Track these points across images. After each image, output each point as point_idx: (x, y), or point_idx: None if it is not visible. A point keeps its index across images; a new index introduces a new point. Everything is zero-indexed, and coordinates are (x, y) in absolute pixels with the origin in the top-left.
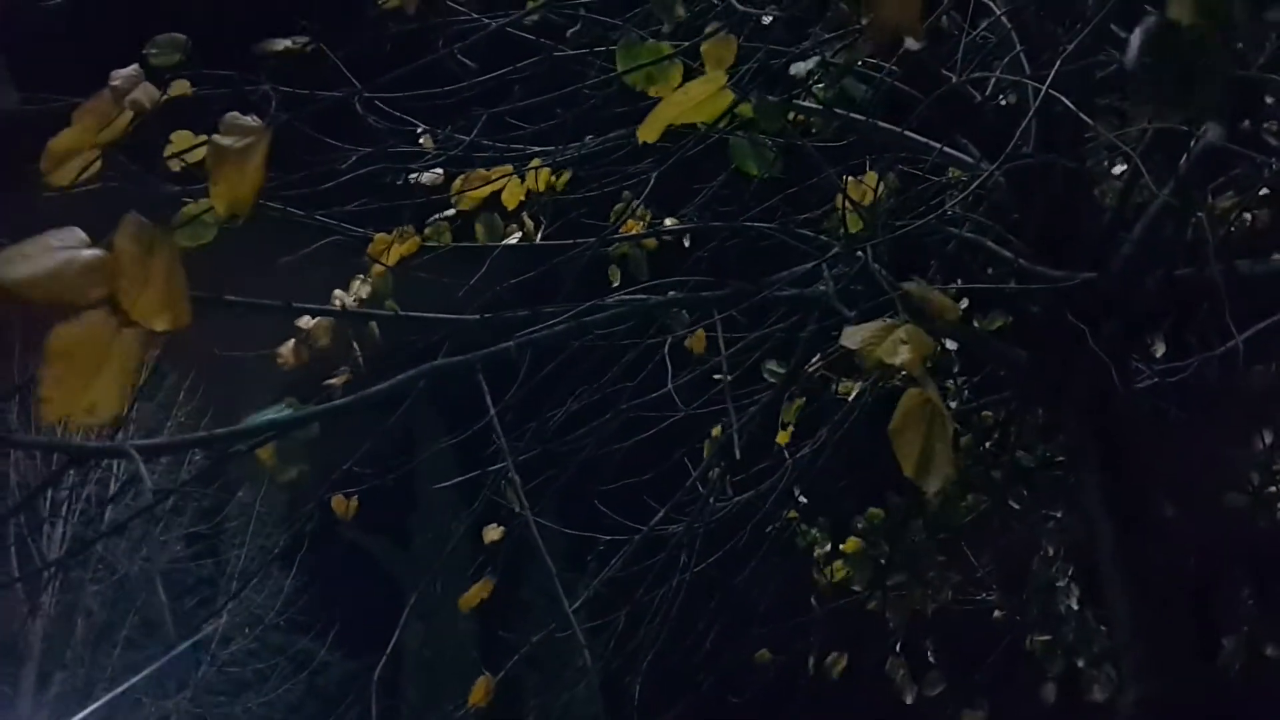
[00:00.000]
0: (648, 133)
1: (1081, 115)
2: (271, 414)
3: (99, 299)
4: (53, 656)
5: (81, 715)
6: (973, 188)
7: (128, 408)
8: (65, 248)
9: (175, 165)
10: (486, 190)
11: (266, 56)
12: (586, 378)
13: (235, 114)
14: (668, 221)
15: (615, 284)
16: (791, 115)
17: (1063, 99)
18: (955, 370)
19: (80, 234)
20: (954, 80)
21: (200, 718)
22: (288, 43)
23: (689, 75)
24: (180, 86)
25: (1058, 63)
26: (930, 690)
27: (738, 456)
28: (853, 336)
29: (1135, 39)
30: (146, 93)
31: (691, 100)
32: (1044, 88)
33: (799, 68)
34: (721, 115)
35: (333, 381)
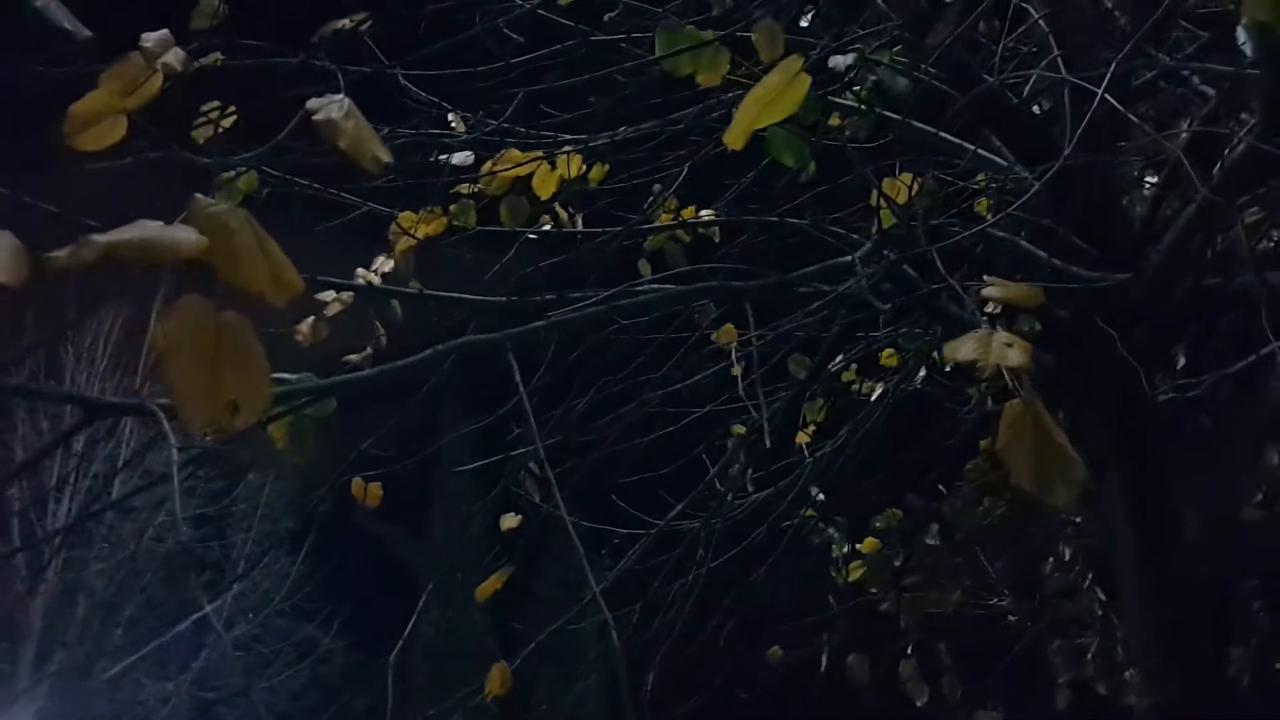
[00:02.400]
0: (733, 139)
1: (1121, 109)
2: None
3: (192, 259)
4: (53, 635)
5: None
6: (1021, 200)
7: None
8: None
9: (200, 136)
10: (514, 173)
11: (326, 37)
12: (610, 368)
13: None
14: (703, 214)
15: (645, 277)
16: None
17: (1094, 98)
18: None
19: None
20: (991, 81)
21: (202, 701)
22: (345, 22)
23: (732, 66)
24: (211, 57)
25: (1110, 69)
26: (946, 694)
27: (768, 445)
28: (963, 348)
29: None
30: (178, 57)
31: (771, 94)
32: (1090, 91)
33: (838, 61)
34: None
35: (352, 358)
